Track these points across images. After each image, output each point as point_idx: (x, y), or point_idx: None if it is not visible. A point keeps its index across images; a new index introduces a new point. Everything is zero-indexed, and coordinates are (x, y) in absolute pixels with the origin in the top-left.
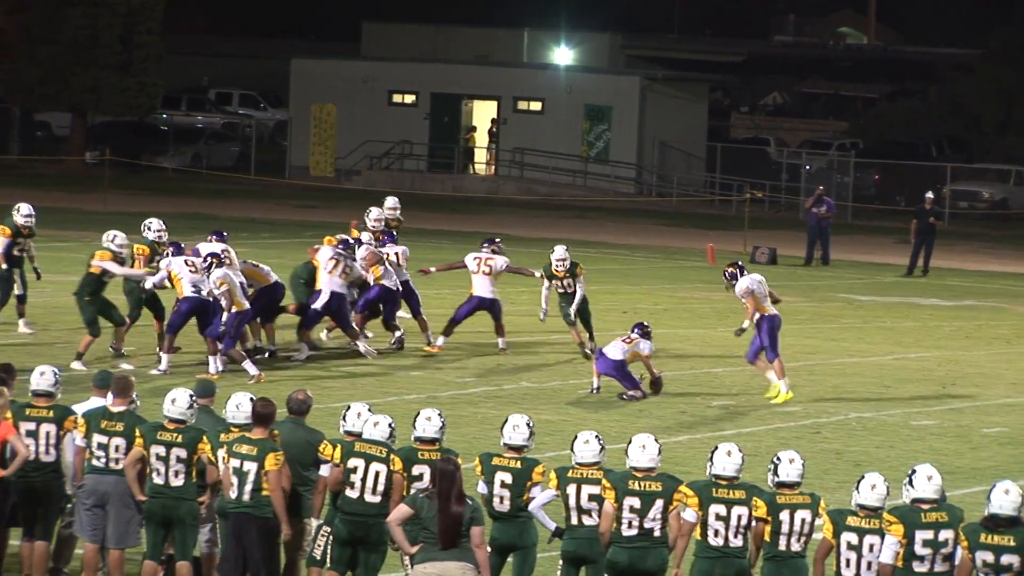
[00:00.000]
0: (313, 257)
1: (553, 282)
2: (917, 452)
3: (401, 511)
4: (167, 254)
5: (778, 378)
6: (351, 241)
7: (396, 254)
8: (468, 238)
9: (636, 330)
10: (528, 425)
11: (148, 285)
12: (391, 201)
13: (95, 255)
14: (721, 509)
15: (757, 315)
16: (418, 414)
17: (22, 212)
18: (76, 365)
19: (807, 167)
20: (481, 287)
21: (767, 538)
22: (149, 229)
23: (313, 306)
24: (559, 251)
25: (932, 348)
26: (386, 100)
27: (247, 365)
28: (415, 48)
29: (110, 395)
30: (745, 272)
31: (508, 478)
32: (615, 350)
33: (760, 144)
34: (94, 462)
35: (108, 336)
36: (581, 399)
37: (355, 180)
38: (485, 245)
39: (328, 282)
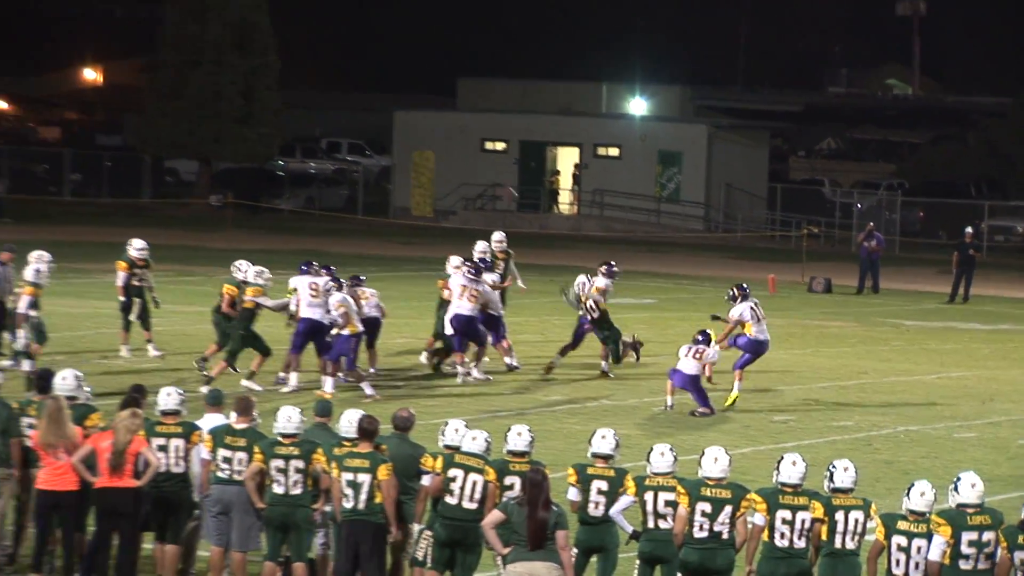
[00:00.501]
0: (444, 288)
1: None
2: (960, 462)
3: (494, 516)
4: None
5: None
6: (481, 265)
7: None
8: (553, 271)
9: (701, 339)
10: (614, 436)
11: (292, 309)
12: (498, 235)
13: (248, 291)
14: (787, 514)
15: (743, 334)
16: (509, 429)
17: (135, 246)
18: (204, 389)
19: (858, 205)
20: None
21: (824, 537)
22: (239, 270)
23: (448, 332)
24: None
25: (972, 368)
26: (479, 147)
27: (365, 385)
28: (505, 100)
29: (233, 413)
30: (747, 297)
31: (604, 486)
32: (689, 364)
33: (816, 185)
34: (219, 474)
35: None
36: (656, 415)
37: (452, 219)
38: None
39: (457, 305)
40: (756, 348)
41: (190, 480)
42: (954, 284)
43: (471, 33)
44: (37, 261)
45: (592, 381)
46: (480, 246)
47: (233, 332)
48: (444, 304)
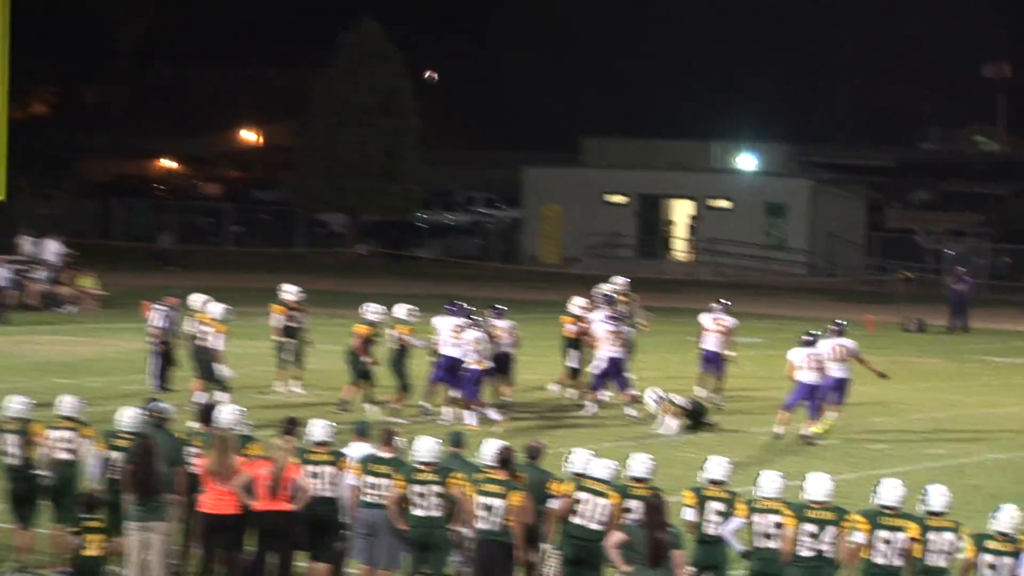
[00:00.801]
0: (565, 327)
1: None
2: None
3: (617, 537)
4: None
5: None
6: (622, 312)
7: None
8: (670, 313)
9: (808, 346)
10: (728, 464)
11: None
12: (620, 280)
13: (398, 329)
14: (886, 534)
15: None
16: (630, 457)
17: (290, 291)
18: (399, 419)
19: (949, 251)
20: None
21: (918, 555)
22: (370, 312)
23: (595, 372)
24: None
25: None
26: (601, 200)
27: (489, 411)
28: (624, 157)
29: (377, 442)
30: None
31: (721, 507)
32: (807, 375)
33: (909, 233)
34: (366, 498)
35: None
36: (764, 443)
37: (576, 266)
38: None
39: (606, 349)
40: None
41: (339, 504)
42: None
43: (593, 95)
44: (205, 301)
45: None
46: (608, 286)
47: (392, 368)
48: (570, 342)
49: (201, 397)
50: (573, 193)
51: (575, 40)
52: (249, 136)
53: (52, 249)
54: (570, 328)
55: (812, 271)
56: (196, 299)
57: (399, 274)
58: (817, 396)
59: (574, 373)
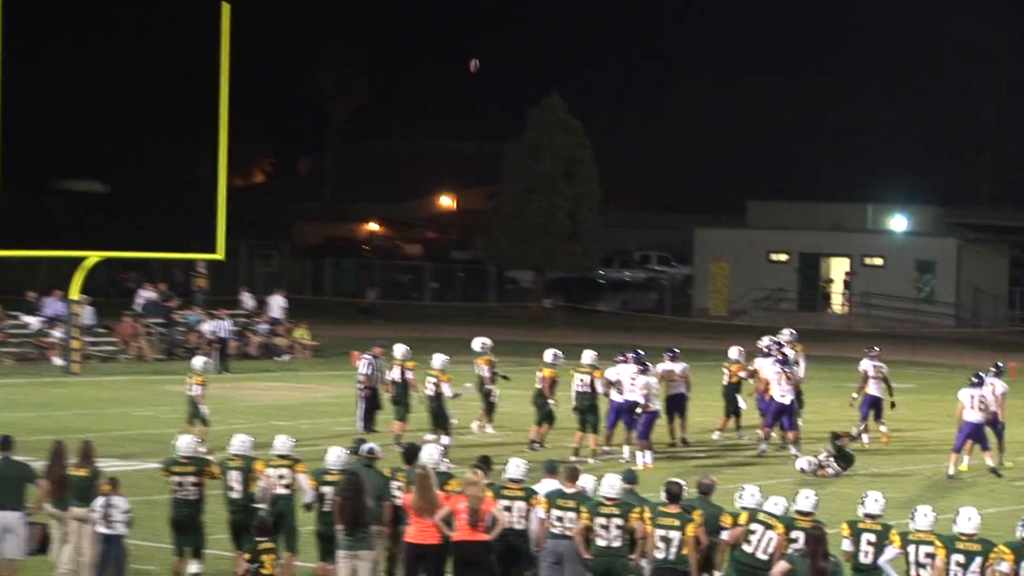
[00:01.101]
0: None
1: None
2: None
3: (782, 566)
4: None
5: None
6: (789, 356)
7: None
8: (829, 361)
9: (980, 387)
10: (882, 499)
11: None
12: (788, 331)
13: (596, 374)
14: None
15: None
16: (799, 492)
17: (483, 343)
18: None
19: None
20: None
21: None
22: (553, 356)
23: (770, 410)
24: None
25: None
26: (766, 258)
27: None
28: (787, 219)
29: (563, 479)
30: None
31: (873, 538)
32: (974, 415)
33: None
34: (553, 530)
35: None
36: (918, 481)
37: (743, 318)
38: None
39: (775, 390)
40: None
41: (529, 535)
42: None
43: (758, 161)
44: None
45: (859, 452)
46: (780, 336)
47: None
48: (730, 386)
49: (429, 438)
50: (740, 251)
51: (743, 111)
52: (446, 201)
53: (278, 304)
54: (736, 374)
55: (959, 322)
56: (399, 349)
57: (581, 326)
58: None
59: (736, 416)
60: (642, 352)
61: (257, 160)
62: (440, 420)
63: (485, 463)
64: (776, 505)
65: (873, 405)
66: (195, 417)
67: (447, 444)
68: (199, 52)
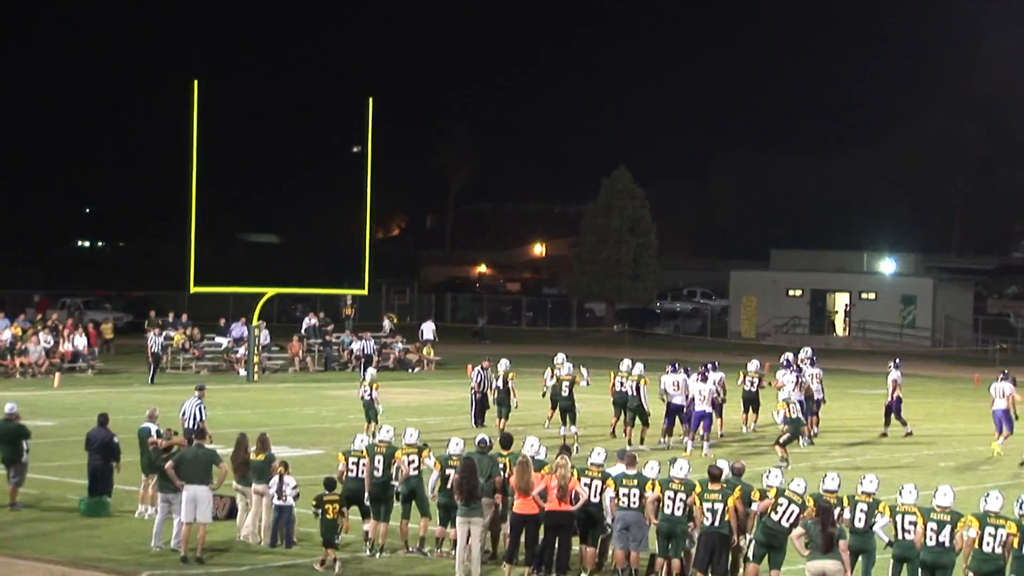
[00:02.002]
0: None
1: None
2: None
3: (799, 530)
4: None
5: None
6: (796, 368)
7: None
8: (836, 373)
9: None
10: (876, 479)
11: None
12: (807, 349)
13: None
14: (991, 529)
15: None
16: (825, 474)
17: (559, 361)
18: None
19: None
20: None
21: (1015, 546)
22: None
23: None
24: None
25: None
26: (784, 293)
27: (705, 445)
28: (801, 263)
29: (626, 464)
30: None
31: (865, 508)
32: (1000, 403)
33: (1005, 316)
34: (621, 504)
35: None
36: (906, 464)
37: (766, 339)
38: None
39: (788, 393)
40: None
41: (604, 506)
42: None
43: (779, 219)
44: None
45: (868, 444)
46: (804, 352)
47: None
48: (750, 390)
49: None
50: (764, 288)
51: (768, 180)
52: (538, 249)
53: (430, 328)
54: (753, 380)
55: (934, 343)
56: (503, 363)
57: (642, 345)
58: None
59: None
60: (709, 364)
61: (395, 218)
62: (570, 413)
63: (567, 451)
64: (799, 486)
65: (897, 410)
66: (371, 414)
67: (576, 432)
68: (351, 136)
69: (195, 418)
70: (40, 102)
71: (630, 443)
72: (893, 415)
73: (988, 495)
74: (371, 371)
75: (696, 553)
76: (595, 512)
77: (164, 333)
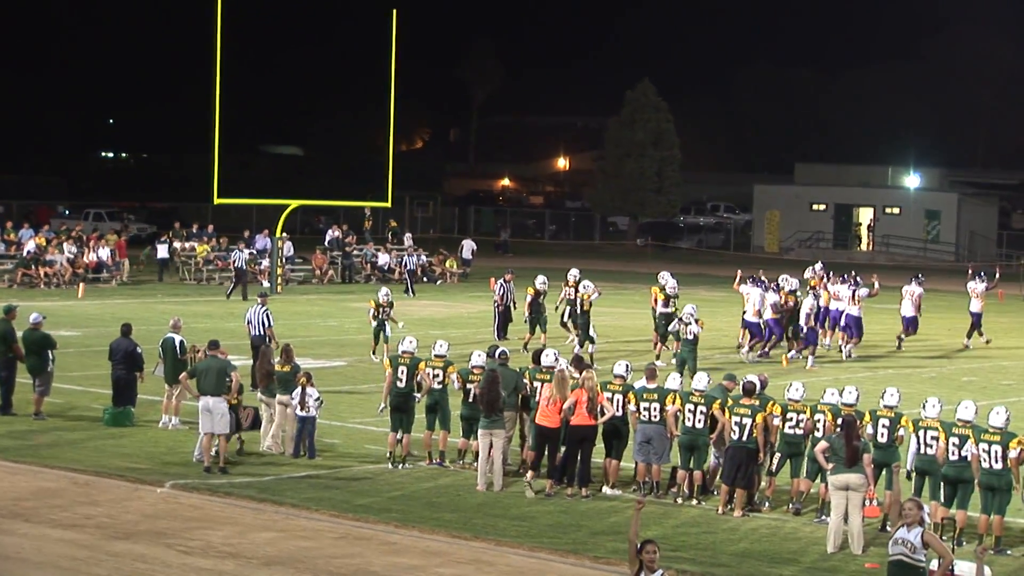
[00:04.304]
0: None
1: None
2: None
3: (822, 444)
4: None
5: None
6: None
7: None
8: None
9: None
10: (898, 392)
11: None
12: (818, 266)
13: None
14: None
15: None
16: (845, 388)
17: (573, 274)
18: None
19: None
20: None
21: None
22: (662, 278)
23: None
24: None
25: None
26: (808, 208)
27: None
28: (825, 177)
29: (646, 378)
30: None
31: (887, 423)
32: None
33: None
34: (642, 417)
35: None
36: (928, 379)
37: (790, 254)
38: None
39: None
40: None
41: (628, 419)
42: None
43: (803, 133)
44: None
45: (889, 355)
46: (817, 267)
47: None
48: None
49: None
50: (788, 202)
51: (793, 94)
52: (562, 163)
53: (469, 246)
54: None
55: (958, 258)
56: (540, 279)
57: (665, 259)
58: None
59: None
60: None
61: (417, 130)
62: (585, 330)
63: (579, 363)
64: (835, 395)
65: (912, 323)
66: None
67: (592, 351)
68: (375, 49)
69: (263, 325)
70: (63, 11)
71: (658, 358)
72: (907, 331)
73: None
74: (383, 290)
75: (723, 467)
76: (620, 425)
77: (184, 244)
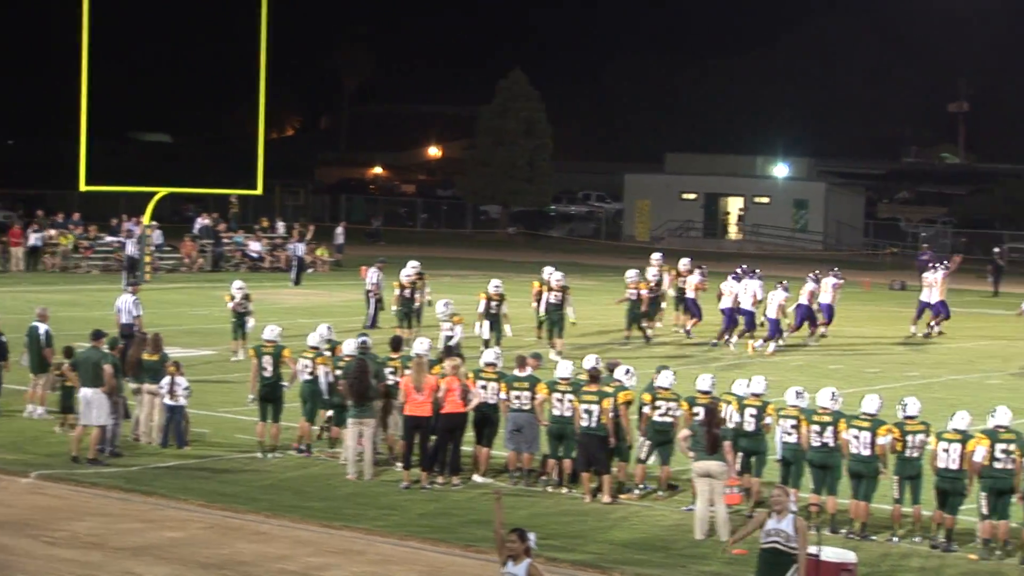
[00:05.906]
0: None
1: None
2: (992, 400)
3: (685, 432)
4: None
5: None
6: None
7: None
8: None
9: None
10: (764, 380)
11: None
12: (684, 260)
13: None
14: (856, 432)
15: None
16: (699, 376)
17: (414, 265)
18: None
19: (922, 234)
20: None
21: (900, 449)
22: (545, 272)
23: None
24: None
25: (1013, 339)
26: (678, 197)
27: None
28: (695, 166)
29: (517, 366)
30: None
31: (754, 411)
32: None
33: (894, 221)
34: (513, 405)
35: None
36: (795, 367)
37: (660, 243)
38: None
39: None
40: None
41: (499, 408)
42: (993, 284)
43: (673, 123)
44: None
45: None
46: (684, 262)
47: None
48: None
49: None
50: (658, 192)
51: (662, 84)
52: (434, 151)
53: (340, 232)
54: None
55: (826, 247)
56: (411, 265)
57: (537, 248)
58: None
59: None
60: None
61: (288, 118)
62: (558, 326)
63: (449, 352)
64: (667, 379)
65: (826, 312)
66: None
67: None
68: (244, 36)
69: (130, 314)
70: None
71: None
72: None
73: (864, 398)
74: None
75: (577, 455)
76: (491, 413)
77: (48, 231)
